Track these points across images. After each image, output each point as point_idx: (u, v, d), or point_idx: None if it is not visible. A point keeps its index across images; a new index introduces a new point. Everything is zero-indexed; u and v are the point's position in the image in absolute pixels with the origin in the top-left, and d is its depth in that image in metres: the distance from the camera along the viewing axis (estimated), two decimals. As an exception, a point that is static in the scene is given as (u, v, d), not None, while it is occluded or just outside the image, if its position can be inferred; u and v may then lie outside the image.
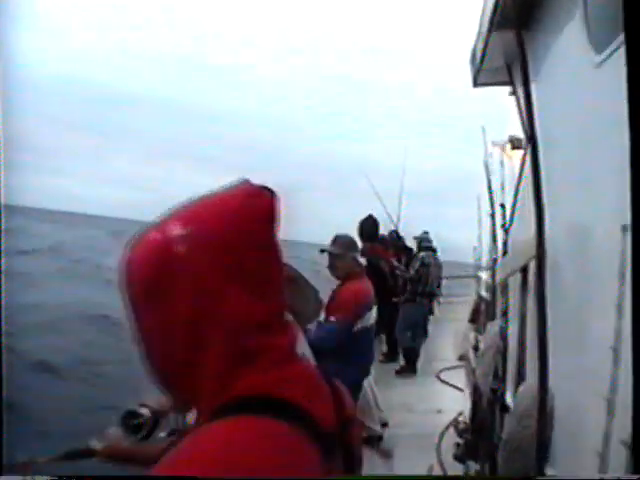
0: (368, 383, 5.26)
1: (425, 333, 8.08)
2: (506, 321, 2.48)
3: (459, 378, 6.93)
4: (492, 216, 9.62)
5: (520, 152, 8.37)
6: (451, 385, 6.72)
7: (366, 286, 3.93)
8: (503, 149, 8.06)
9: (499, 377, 2.60)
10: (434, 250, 8.50)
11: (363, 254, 5.56)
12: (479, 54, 2.67)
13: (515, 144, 8.41)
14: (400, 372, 7.34)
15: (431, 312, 8.75)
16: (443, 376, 7.15)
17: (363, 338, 3.82)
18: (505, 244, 2.80)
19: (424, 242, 8.03)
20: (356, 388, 4.06)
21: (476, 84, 3.04)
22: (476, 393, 3.37)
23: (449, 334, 10.03)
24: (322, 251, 3.92)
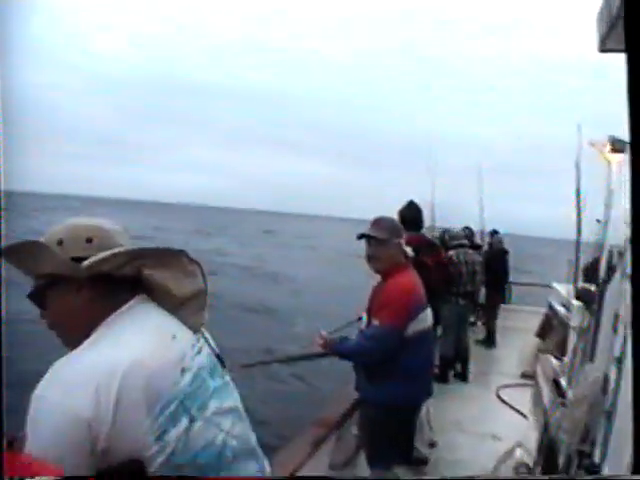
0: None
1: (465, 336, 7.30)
2: (619, 371, 1.78)
3: (521, 399, 6.19)
4: (578, 224, 8.64)
5: (620, 156, 7.41)
6: (512, 407, 5.96)
7: (416, 280, 3.10)
8: (601, 151, 7.13)
9: (590, 439, 1.93)
10: (471, 246, 7.62)
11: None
12: (616, 2, 1.94)
13: (616, 146, 7.44)
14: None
15: (472, 313, 8.01)
16: (503, 394, 6.39)
17: (419, 345, 2.97)
18: (610, 267, 2.07)
19: (452, 240, 7.10)
20: (414, 410, 3.26)
21: (604, 48, 2.28)
22: (550, 443, 2.69)
23: (515, 346, 9.17)
24: (361, 237, 3.09)
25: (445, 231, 7.56)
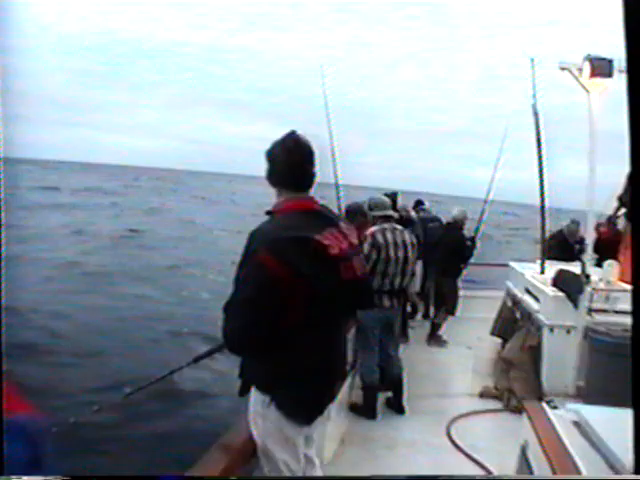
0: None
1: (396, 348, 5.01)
2: None
3: (483, 436, 4.24)
4: (541, 189, 6.49)
5: (604, 81, 5.29)
6: (471, 459, 3.92)
7: None
8: (578, 75, 5.13)
9: None
10: (404, 221, 5.56)
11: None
12: None
13: (598, 68, 5.22)
14: (354, 409, 4.60)
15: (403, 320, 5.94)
16: (456, 433, 4.33)
17: None
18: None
19: (374, 210, 4.78)
20: None
21: None
22: None
23: (467, 348, 7.03)
24: None
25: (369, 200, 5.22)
